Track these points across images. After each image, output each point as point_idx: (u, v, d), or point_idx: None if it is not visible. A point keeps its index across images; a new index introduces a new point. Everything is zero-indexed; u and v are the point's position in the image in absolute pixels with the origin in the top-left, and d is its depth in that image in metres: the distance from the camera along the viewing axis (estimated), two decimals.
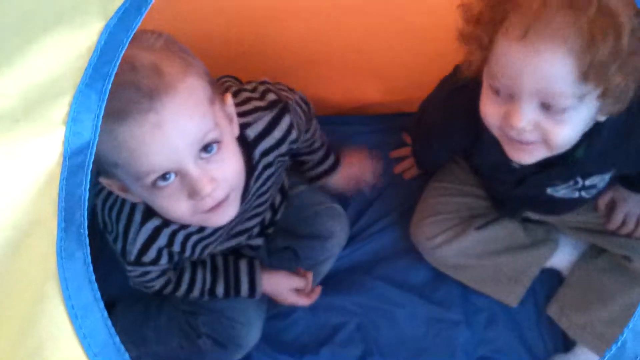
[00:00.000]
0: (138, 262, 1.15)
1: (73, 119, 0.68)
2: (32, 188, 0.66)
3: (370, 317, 1.51)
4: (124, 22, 0.70)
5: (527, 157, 1.00)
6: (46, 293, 0.64)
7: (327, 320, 1.52)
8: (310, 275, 1.43)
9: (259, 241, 1.42)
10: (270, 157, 1.15)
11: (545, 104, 0.92)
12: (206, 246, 1.23)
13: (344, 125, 1.65)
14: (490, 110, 0.99)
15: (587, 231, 1.43)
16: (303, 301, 1.43)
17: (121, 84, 0.81)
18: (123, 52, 0.70)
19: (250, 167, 1.10)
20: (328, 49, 1.40)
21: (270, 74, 1.24)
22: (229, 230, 1.25)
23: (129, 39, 0.70)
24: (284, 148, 1.16)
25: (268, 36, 1.34)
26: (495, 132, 1.02)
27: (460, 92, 1.16)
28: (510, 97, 0.94)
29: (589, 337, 1.38)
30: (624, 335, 0.72)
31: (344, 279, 1.53)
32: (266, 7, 1.27)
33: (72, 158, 0.67)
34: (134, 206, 1.10)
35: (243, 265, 1.35)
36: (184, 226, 1.13)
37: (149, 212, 1.09)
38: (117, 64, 0.70)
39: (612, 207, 1.39)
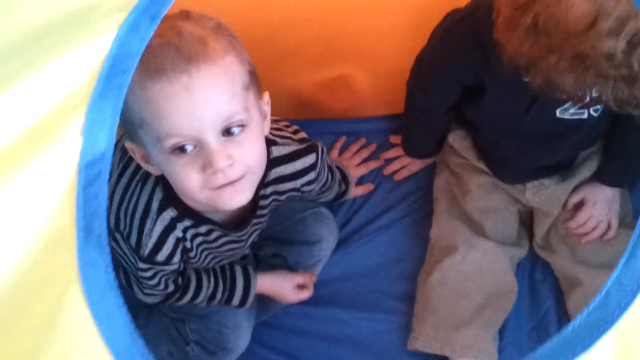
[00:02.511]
0: (152, 259, 1.13)
1: (88, 131, 0.68)
2: (51, 200, 0.66)
3: (362, 327, 1.51)
4: (136, 31, 0.71)
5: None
6: (70, 301, 0.64)
7: (319, 328, 1.51)
8: (309, 274, 1.48)
9: (245, 250, 1.43)
10: (282, 187, 1.18)
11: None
12: (207, 251, 1.23)
13: (332, 127, 1.67)
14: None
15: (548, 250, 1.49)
16: (305, 294, 1.46)
17: (164, 45, 0.88)
18: (137, 62, 0.70)
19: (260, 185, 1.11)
20: (313, 39, 1.40)
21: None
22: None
23: (142, 49, 0.71)
24: (299, 183, 1.19)
25: (249, 25, 1.33)
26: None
27: (460, 24, 1.19)
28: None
29: None
30: (608, 285, 0.75)
31: (337, 286, 1.54)
32: None
33: (88, 169, 0.68)
34: (151, 196, 1.10)
35: (238, 272, 1.36)
36: (194, 225, 1.13)
37: (166, 202, 1.09)
38: (131, 74, 0.70)
39: (579, 207, 1.45)
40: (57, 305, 0.65)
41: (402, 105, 1.48)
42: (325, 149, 1.23)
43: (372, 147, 1.66)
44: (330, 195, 1.46)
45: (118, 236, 1.17)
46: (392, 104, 1.58)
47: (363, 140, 1.66)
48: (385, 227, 1.59)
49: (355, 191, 1.59)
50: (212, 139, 0.93)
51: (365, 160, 1.65)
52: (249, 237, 1.27)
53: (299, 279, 1.46)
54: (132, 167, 1.14)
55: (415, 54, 1.37)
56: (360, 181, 1.63)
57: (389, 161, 1.64)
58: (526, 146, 1.35)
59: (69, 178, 0.67)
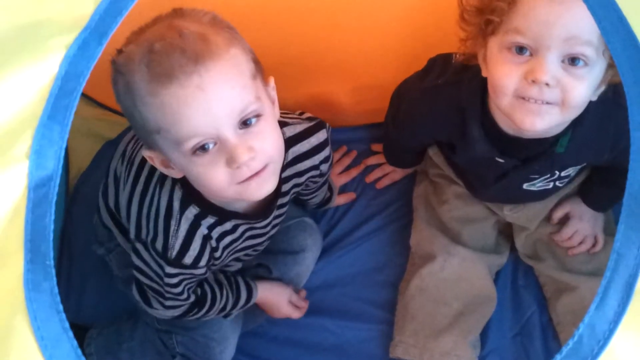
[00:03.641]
0: (179, 261, 1.13)
1: (36, 152, 0.68)
2: None
3: (346, 335, 1.51)
4: (85, 51, 0.71)
5: (540, 121, 1.02)
6: (15, 326, 0.64)
7: (303, 337, 1.51)
8: (304, 293, 1.50)
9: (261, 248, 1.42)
10: (302, 166, 1.19)
11: (569, 56, 0.96)
12: (233, 252, 1.23)
13: None
14: (508, 71, 1.01)
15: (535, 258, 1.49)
16: (297, 314, 1.47)
17: (168, 48, 0.88)
18: (84, 82, 0.70)
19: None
20: (295, 52, 1.39)
21: None
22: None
23: (90, 69, 0.71)
24: (317, 159, 1.20)
25: None
26: (507, 101, 1.03)
27: (448, 89, 1.21)
28: (531, 55, 0.98)
29: None
30: (580, 330, 0.74)
31: (320, 295, 1.53)
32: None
33: (36, 190, 0.67)
34: (172, 196, 1.10)
35: (242, 284, 1.36)
36: (219, 221, 1.13)
37: (187, 200, 1.10)
38: (79, 95, 0.70)
39: (565, 221, 1.46)
40: (4, 331, 0.65)
41: (383, 115, 1.47)
42: (329, 127, 1.24)
43: (354, 154, 1.65)
44: (321, 195, 1.46)
45: (139, 246, 1.16)
46: (372, 113, 1.58)
47: (344, 149, 1.66)
48: (367, 235, 1.59)
49: (338, 200, 1.59)
50: (231, 133, 0.93)
51: (347, 168, 1.64)
52: (271, 229, 1.27)
53: (294, 296, 1.47)
54: (145, 173, 1.14)
55: (396, 70, 1.38)
56: (343, 190, 1.62)
57: (370, 169, 1.64)
58: (502, 191, 1.36)
59: (16, 201, 0.67)
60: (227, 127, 0.93)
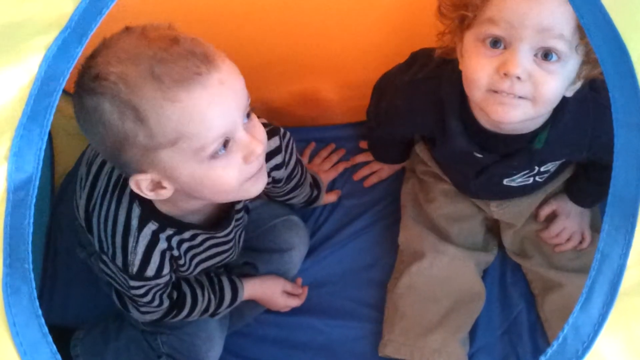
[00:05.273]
0: (141, 275, 1.12)
1: (15, 154, 0.67)
2: None
3: (334, 334, 1.50)
4: (64, 52, 0.70)
5: (512, 112, 1.03)
6: None
7: (291, 337, 1.50)
8: (299, 280, 1.51)
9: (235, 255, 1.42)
10: None
11: (542, 50, 0.97)
12: (196, 257, 1.22)
13: (302, 135, 1.64)
14: (481, 65, 1.02)
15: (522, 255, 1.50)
16: (295, 302, 1.47)
17: (173, 56, 0.87)
18: (65, 83, 0.69)
19: None
20: (282, 51, 1.39)
21: None
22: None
23: (70, 70, 0.70)
24: (267, 167, 1.17)
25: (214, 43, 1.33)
26: (480, 94, 1.04)
27: (426, 83, 1.22)
28: (505, 48, 0.99)
29: None
30: (564, 331, 0.74)
31: (309, 294, 1.52)
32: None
33: (15, 193, 0.67)
34: (129, 214, 1.08)
35: (226, 284, 1.36)
36: (177, 232, 1.12)
37: (145, 217, 1.08)
38: (59, 95, 0.69)
39: (552, 218, 1.46)
40: None
41: None
42: (289, 134, 1.24)
43: (342, 152, 1.65)
44: (301, 196, 1.45)
45: (105, 258, 1.16)
46: (360, 111, 1.56)
47: (332, 146, 1.66)
48: (355, 233, 1.58)
49: (326, 198, 1.58)
50: (241, 127, 0.95)
51: (334, 165, 1.64)
52: (235, 237, 1.27)
53: (288, 285, 1.47)
54: (101, 187, 1.12)
55: (382, 67, 1.38)
56: (331, 187, 1.62)
57: (358, 167, 1.64)
58: (483, 186, 1.36)
59: None
60: (239, 121, 0.95)
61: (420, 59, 1.28)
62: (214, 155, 0.94)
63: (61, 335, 1.42)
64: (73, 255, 1.46)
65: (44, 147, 0.69)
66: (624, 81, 0.69)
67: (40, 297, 1.42)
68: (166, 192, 1.00)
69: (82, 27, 0.70)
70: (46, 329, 0.65)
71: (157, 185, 0.99)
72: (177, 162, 0.94)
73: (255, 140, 0.96)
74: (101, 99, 0.87)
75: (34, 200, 0.67)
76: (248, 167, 0.97)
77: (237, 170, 0.97)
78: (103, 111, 0.88)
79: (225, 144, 0.94)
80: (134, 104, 0.87)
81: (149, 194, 1.00)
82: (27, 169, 0.68)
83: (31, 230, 0.65)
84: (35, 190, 0.67)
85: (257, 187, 1.02)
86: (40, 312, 0.65)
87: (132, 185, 0.98)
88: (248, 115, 0.97)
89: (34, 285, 0.65)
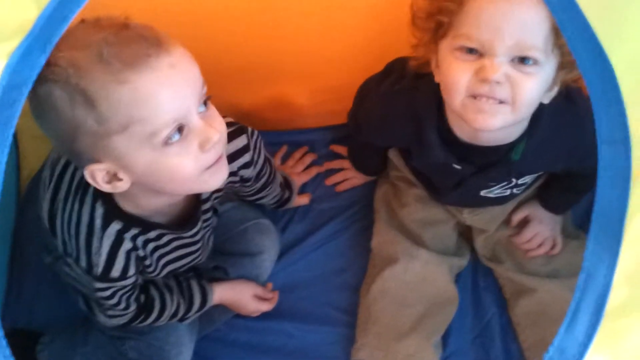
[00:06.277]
0: (106, 276, 1.11)
1: None
2: None
3: (306, 339, 1.49)
4: (28, 59, 0.67)
5: (492, 119, 1.02)
6: None
7: (262, 341, 1.49)
8: (270, 285, 1.50)
9: (204, 257, 1.40)
10: None
11: (518, 57, 0.98)
12: (163, 258, 1.20)
13: (274, 138, 1.63)
14: (460, 69, 1.01)
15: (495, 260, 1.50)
16: (265, 306, 1.46)
17: (125, 39, 0.86)
18: (27, 92, 0.66)
19: None
20: (254, 55, 1.39)
21: None
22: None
23: (33, 78, 0.67)
24: (235, 165, 1.17)
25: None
26: (460, 100, 1.04)
27: (402, 95, 1.21)
28: (481, 56, 0.99)
29: None
30: (550, 353, 0.73)
31: (280, 298, 1.51)
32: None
33: None
34: (92, 213, 1.06)
35: (195, 288, 1.34)
36: (142, 231, 1.11)
37: (109, 216, 1.06)
38: (21, 106, 0.66)
39: (524, 224, 1.47)
40: None
41: (343, 116, 1.47)
42: (257, 133, 1.22)
43: (314, 156, 1.64)
44: (271, 196, 1.44)
45: (69, 260, 1.14)
46: (332, 115, 1.59)
47: (305, 148, 1.65)
48: (327, 237, 1.58)
49: (298, 200, 1.57)
50: (197, 114, 0.93)
51: (308, 168, 1.63)
52: (203, 238, 1.25)
53: (259, 290, 1.45)
54: (64, 189, 1.10)
55: (354, 72, 1.38)
56: (303, 190, 1.61)
57: (331, 172, 1.63)
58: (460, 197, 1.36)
59: None
60: (193, 108, 0.92)
61: (396, 70, 1.27)
62: (167, 142, 0.91)
63: (27, 339, 1.41)
64: (40, 259, 1.43)
65: (5, 160, 0.66)
66: (607, 95, 0.68)
67: (6, 302, 1.43)
68: (123, 184, 0.97)
69: (47, 33, 0.66)
70: (2, 332, 0.62)
71: (113, 177, 0.96)
72: (131, 150, 0.91)
73: (211, 128, 0.94)
74: (52, 86, 0.85)
75: None
76: (205, 156, 0.95)
77: (193, 159, 0.94)
78: (54, 98, 0.86)
79: (180, 130, 0.92)
80: (82, 87, 0.85)
81: (105, 186, 0.97)
82: None
83: None
84: None
85: (216, 178, 1.00)
86: None
87: (87, 176, 0.95)
88: (206, 104, 0.96)
89: None
